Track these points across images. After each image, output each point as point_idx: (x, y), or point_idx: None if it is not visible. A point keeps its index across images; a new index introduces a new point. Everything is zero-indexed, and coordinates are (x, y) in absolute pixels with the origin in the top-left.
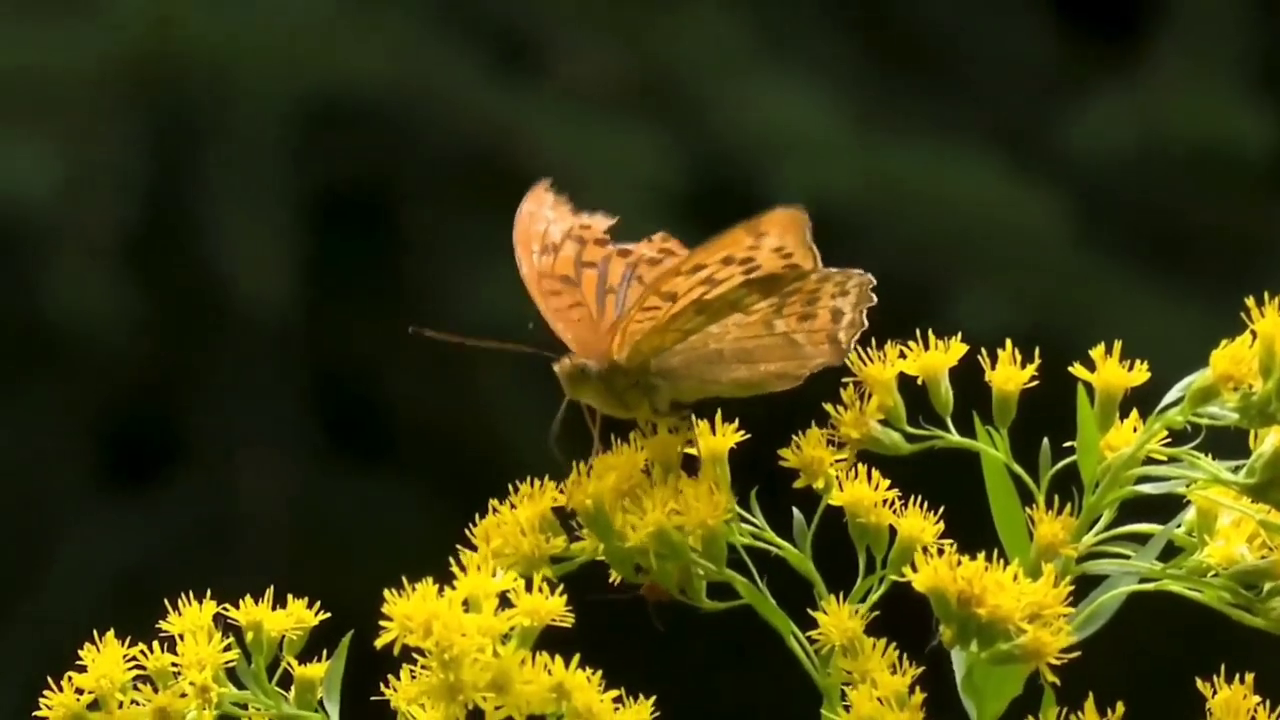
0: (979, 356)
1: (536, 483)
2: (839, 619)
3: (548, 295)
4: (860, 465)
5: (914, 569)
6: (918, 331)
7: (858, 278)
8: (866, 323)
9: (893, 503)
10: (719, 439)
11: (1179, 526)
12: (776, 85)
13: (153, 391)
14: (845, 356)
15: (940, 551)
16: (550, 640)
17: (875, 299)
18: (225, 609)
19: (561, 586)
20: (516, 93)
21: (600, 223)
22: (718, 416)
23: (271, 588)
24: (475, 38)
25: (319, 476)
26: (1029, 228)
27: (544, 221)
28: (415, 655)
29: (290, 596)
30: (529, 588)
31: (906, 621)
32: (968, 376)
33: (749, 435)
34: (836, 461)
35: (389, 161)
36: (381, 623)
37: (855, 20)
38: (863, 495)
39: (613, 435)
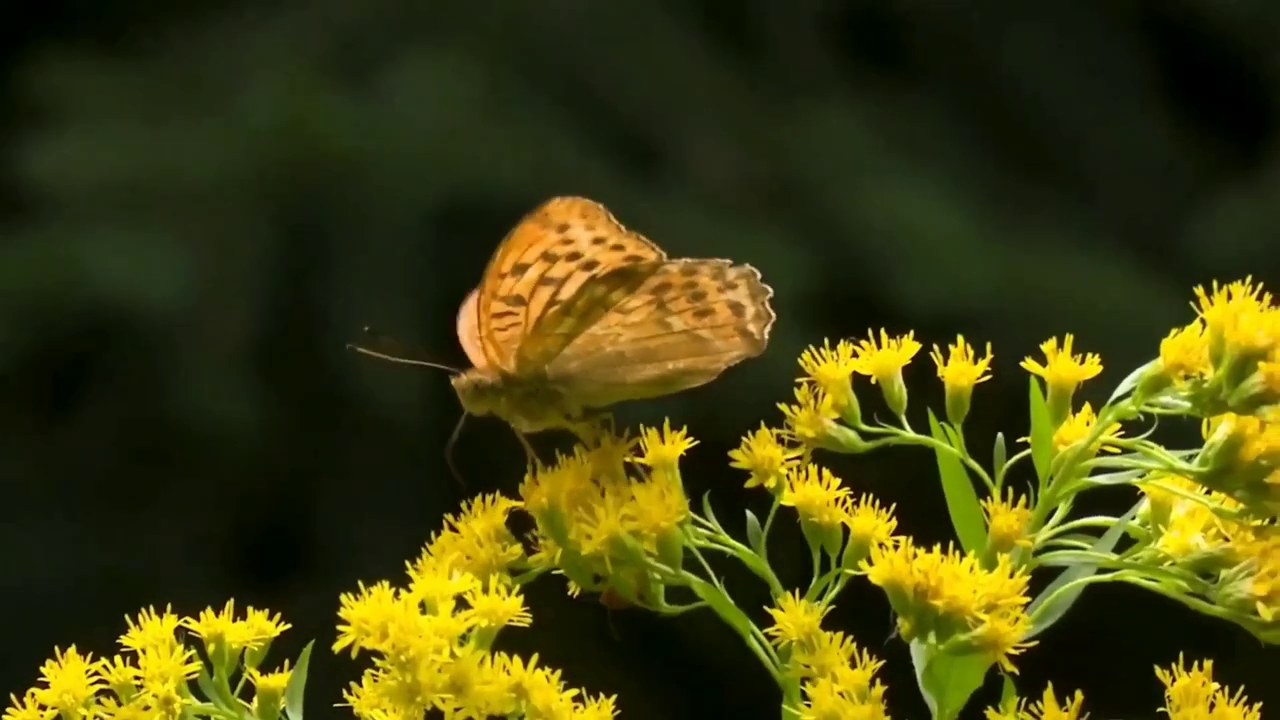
0: (931, 353)
1: (488, 497)
2: (795, 615)
3: (494, 318)
4: (811, 465)
5: (870, 562)
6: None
7: (736, 269)
8: (774, 314)
9: (844, 501)
10: (668, 447)
11: (1134, 519)
12: (905, 187)
13: (282, 493)
14: (762, 347)
15: (895, 546)
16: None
17: (770, 289)
18: (186, 622)
19: (518, 588)
20: (648, 195)
21: (640, 248)
22: (665, 424)
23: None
24: (608, 140)
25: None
26: (1158, 330)
27: (544, 243)
28: (374, 659)
29: (250, 608)
30: (485, 590)
31: (864, 617)
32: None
33: (698, 441)
34: (788, 460)
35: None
36: (339, 627)
37: (981, 121)
38: (814, 495)
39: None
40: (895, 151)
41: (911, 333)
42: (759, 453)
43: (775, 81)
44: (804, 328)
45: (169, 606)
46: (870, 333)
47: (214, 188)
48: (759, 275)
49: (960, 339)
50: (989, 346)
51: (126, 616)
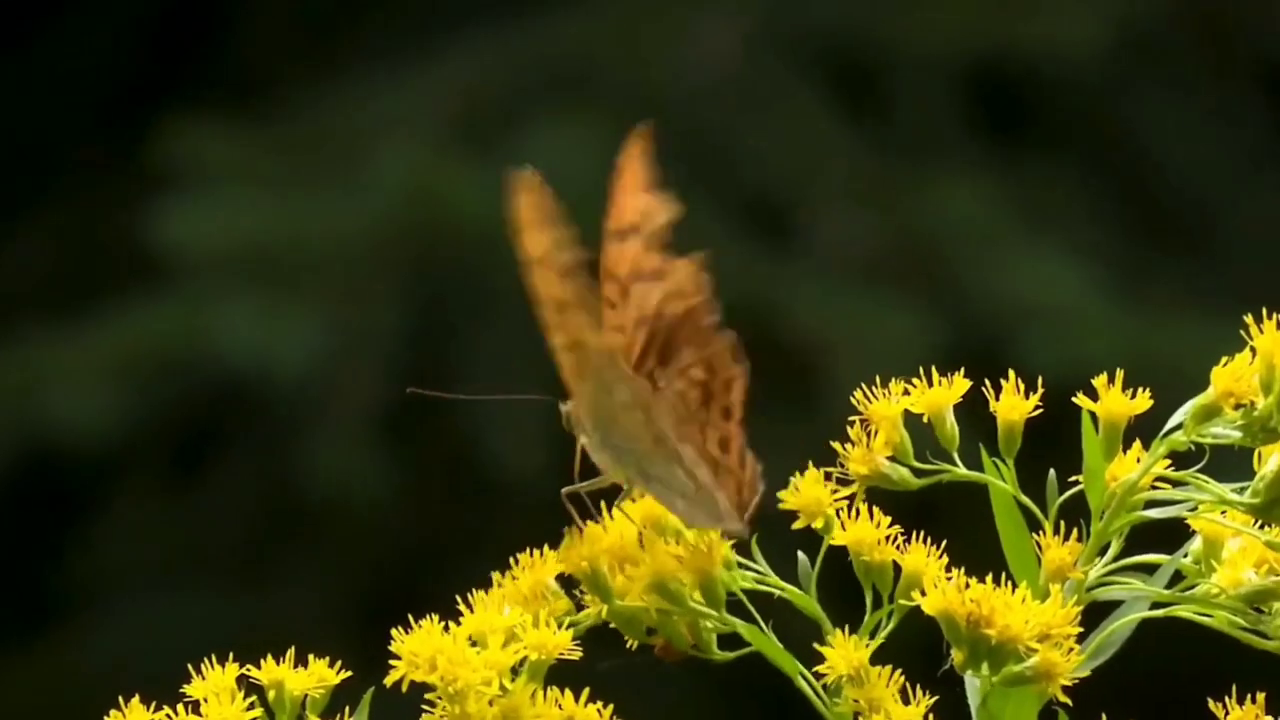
0: (983, 388)
1: (536, 553)
2: (845, 650)
3: (605, 307)
4: (861, 504)
5: (922, 593)
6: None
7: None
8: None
9: (895, 539)
10: None
11: (1186, 556)
12: (1034, 255)
13: (411, 562)
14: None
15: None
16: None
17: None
18: (248, 670)
19: (568, 622)
20: (777, 260)
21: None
22: None
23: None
24: (738, 206)
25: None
26: None
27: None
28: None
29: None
30: (535, 624)
31: (915, 653)
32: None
33: None
34: (838, 499)
35: None
36: (390, 661)
37: (1111, 188)
38: (865, 534)
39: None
40: (1025, 219)
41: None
42: (807, 493)
43: (905, 148)
44: None
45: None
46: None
47: (343, 254)
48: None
49: (1011, 373)
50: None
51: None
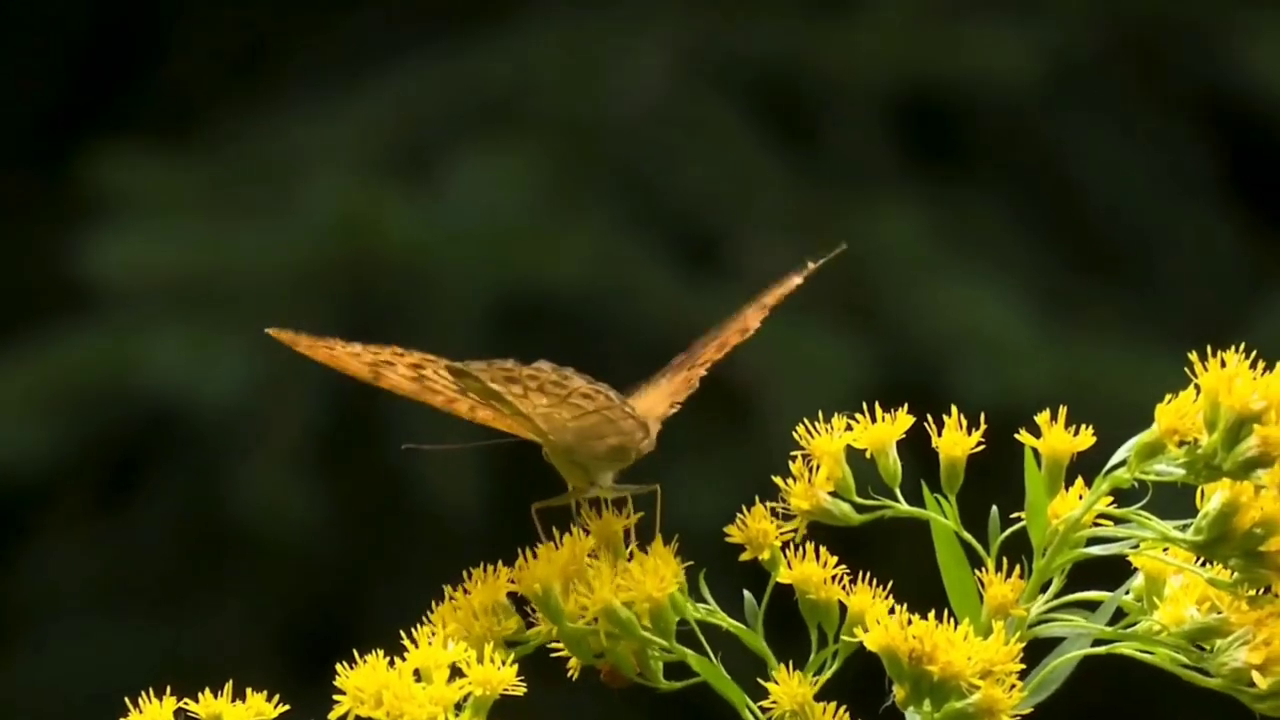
0: (925, 424)
1: (490, 567)
2: (789, 686)
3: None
4: (808, 542)
5: (865, 629)
6: None
7: (528, 370)
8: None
9: (841, 578)
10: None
11: (1128, 593)
12: (964, 282)
13: (339, 590)
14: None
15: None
16: None
17: (591, 384)
18: (185, 704)
19: (512, 657)
20: (706, 289)
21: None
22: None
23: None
24: (667, 235)
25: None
26: None
27: None
28: None
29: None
30: (480, 660)
31: (858, 690)
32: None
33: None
34: (782, 534)
35: (581, 359)
36: (335, 696)
37: (1042, 216)
38: (811, 572)
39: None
40: (954, 246)
41: (969, 430)
42: (754, 526)
43: (836, 177)
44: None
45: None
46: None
47: (272, 282)
48: (543, 368)
49: (954, 409)
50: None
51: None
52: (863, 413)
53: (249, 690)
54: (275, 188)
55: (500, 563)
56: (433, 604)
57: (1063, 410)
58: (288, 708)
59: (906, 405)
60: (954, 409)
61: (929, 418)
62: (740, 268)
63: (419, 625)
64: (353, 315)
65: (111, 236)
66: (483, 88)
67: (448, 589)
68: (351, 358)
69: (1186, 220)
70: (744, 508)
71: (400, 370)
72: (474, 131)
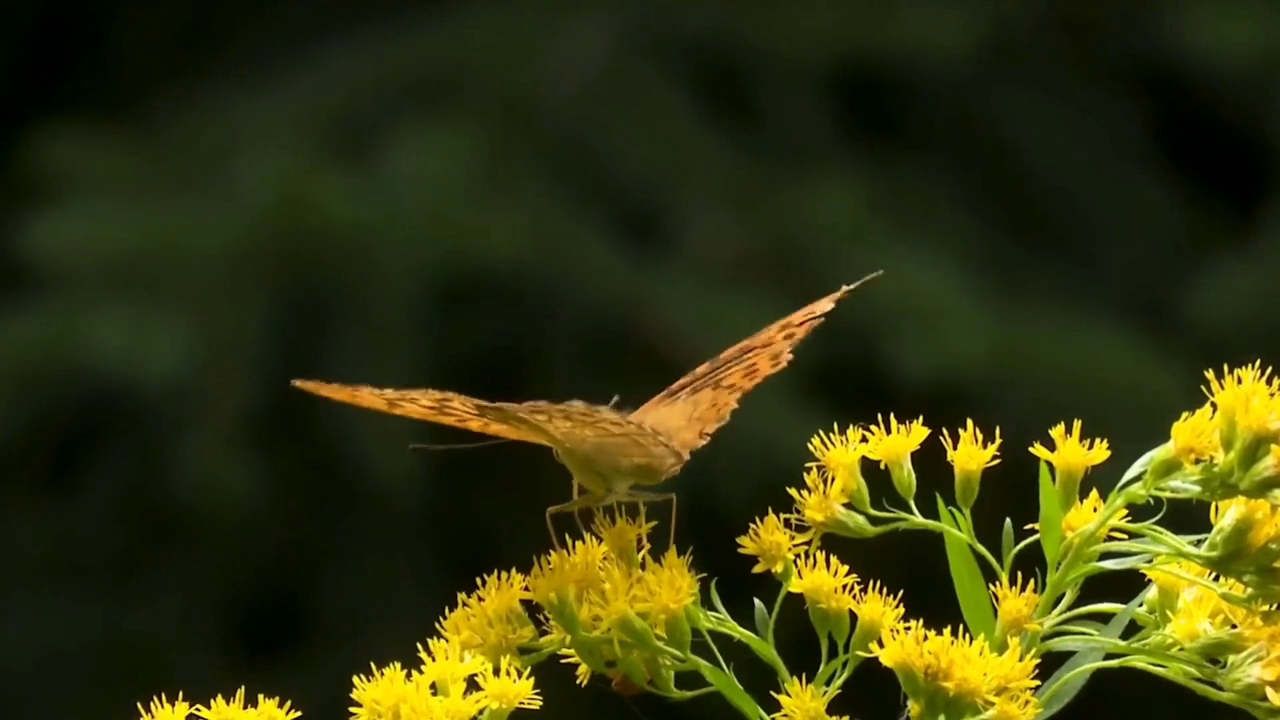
0: (934, 430)
1: (504, 575)
2: (802, 700)
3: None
4: (819, 552)
5: (880, 645)
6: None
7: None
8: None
9: (852, 588)
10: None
11: (1141, 605)
12: (904, 256)
13: (281, 568)
14: (683, 458)
15: (906, 630)
16: None
17: (599, 412)
18: (197, 709)
19: (529, 670)
20: (645, 266)
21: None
22: (673, 505)
23: (244, 678)
24: (606, 211)
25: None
26: (1162, 397)
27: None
28: None
29: (261, 696)
30: (496, 673)
31: (871, 703)
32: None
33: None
34: (795, 545)
35: (520, 335)
36: (351, 709)
37: (980, 189)
38: (822, 582)
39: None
40: (893, 219)
41: (912, 406)
42: (766, 538)
43: (774, 151)
44: (803, 400)
45: (169, 679)
46: (876, 415)
47: (212, 262)
48: (576, 407)
49: (970, 423)
50: (998, 430)
51: (140, 704)
52: (805, 392)
53: (261, 697)
54: (216, 167)
55: (437, 537)
56: (445, 610)
57: (1077, 424)
58: (299, 714)
59: (845, 377)
60: (969, 423)
61: (876, 414)
62: (680, 243)
63: (384, 616)
64: (292, 293)
65: (54, 216)
66: (421, 66)
67: (462, 595)
68: (374, 397)
69: (1124, 191)
70: (757, 519)
71: (422, 402)
72: (413, 110)
